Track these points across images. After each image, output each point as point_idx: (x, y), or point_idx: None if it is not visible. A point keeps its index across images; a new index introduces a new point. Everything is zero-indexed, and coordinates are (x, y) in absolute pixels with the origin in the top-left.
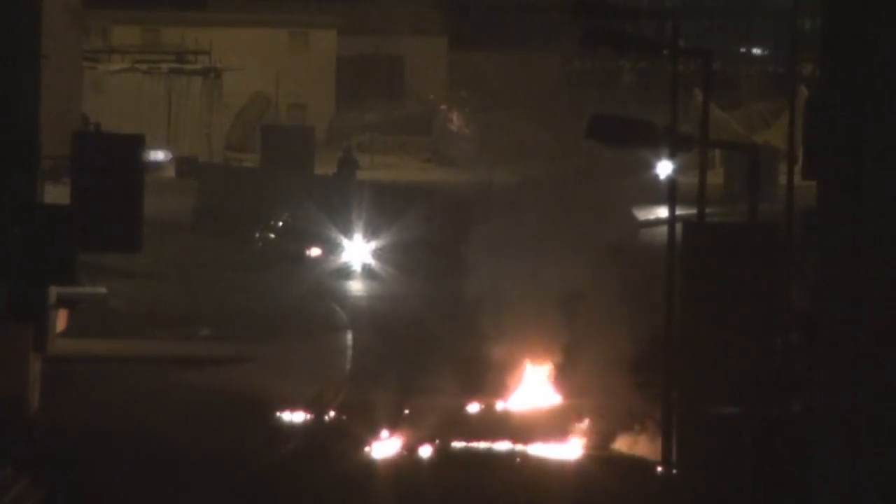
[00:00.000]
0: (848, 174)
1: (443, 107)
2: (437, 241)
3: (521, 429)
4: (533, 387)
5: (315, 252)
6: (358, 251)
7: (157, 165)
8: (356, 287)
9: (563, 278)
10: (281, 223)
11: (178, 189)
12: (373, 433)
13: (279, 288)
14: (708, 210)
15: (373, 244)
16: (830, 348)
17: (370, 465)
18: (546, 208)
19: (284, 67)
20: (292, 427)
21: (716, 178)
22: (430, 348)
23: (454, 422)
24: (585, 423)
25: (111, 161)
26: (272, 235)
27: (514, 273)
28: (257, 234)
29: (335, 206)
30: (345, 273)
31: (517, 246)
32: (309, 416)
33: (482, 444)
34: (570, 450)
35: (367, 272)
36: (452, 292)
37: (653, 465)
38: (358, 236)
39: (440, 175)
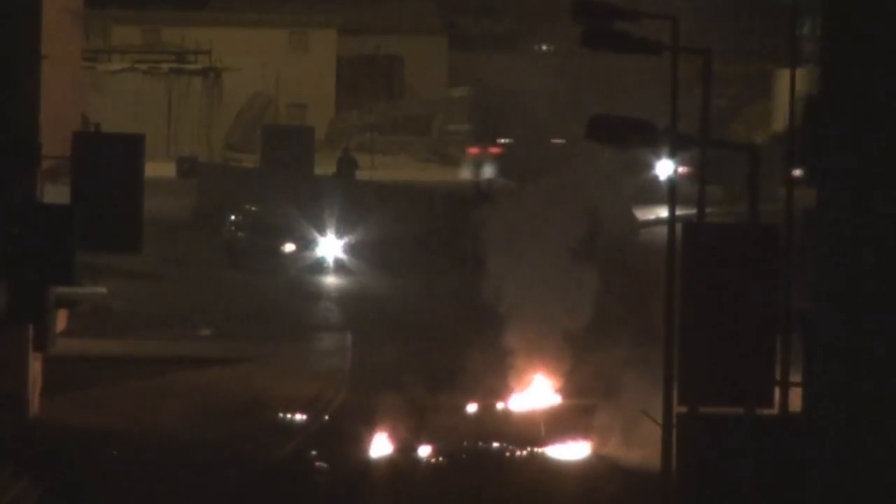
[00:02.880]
0: (848, 174)
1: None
2: (418, 236)
3: (521, 429)
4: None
5: (290, 247)
6: (331, 246)
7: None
8: (338, 283)
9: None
10: (235, 217)
11: (178, 189)
12: (373, 433)
13: (272, 286)
14: (708, 210)
15: (346, 239)
16: (830, 348)
17: (370, 465)
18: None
19: (284, 67)
20: (292, 427)
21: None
22: (426, 345)
23: (454, 422)
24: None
25: (111, 161)
26: (233, 229)
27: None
28: (223, 229)
29: (328, 205)
30: (319, 268)
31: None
32: (309, 417)
33: (481, 445)
34: (570, 451)
35: (340, 267)
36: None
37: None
38: (330, 232)
39: (440, 175)
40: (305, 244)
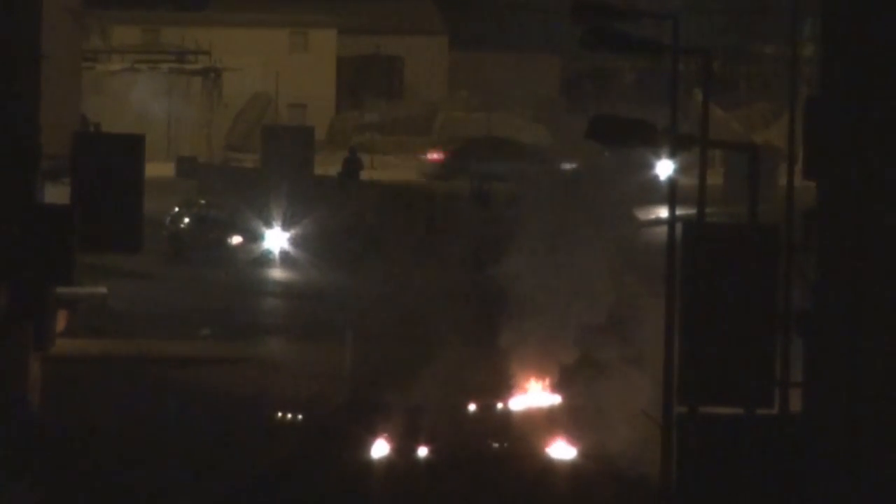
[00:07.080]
0: (848, 174)
1: None
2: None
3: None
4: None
5: (237, 240)
6: (277, 238)
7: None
8: (292, 278)
9: None
10: (180, 209)
11: (178, 189)
12: (372, 433)
13: (264, 284)
14: (708, 210)
15: (292, 231)
16: (830, 348)
17: (369, 465)
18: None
19: (284, 67)
20: (292, 427)
21: (716, 177)
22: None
23: (450, 422)
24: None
25: (111, 161)
26: (180, 223)
27: None
28: (167, 221)
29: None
30: (264, 260)
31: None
32: (308, 417)
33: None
34: (566, 452)
35: (286, 259)
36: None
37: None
38: (277, 224)
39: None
40: (252, 237)
